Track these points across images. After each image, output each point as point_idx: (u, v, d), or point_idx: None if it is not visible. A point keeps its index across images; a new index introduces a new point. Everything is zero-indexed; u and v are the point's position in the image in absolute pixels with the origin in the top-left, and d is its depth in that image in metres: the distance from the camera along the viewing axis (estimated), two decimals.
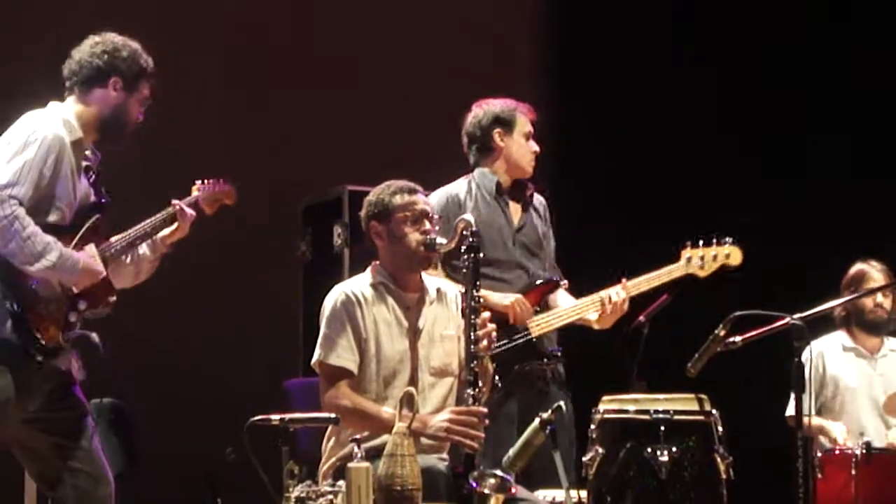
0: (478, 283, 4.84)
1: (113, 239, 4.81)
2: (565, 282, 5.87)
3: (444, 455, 4.93)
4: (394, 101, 7.85)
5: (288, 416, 4.62)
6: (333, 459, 4.97)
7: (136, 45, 4.83)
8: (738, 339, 5.00)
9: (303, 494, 4.47)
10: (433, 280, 5.16)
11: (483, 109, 5.96)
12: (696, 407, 4.80)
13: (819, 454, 6.16)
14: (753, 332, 5.02)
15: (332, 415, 4.74)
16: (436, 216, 5.09)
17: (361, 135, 7.73)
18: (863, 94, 8.03)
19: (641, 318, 5.68)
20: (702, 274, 5.82)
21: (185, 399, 7.07)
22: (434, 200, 5.79)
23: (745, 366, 5.84)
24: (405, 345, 5.00)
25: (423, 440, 4.80)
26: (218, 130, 7.47)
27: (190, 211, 5.01)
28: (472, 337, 4.80)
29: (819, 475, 5.97)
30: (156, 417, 6.60)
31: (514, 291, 5.73)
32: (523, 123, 5.91)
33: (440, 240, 4.96)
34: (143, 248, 4.99)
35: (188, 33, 7.45)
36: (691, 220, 6.20)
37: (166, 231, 5.01)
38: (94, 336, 4.81)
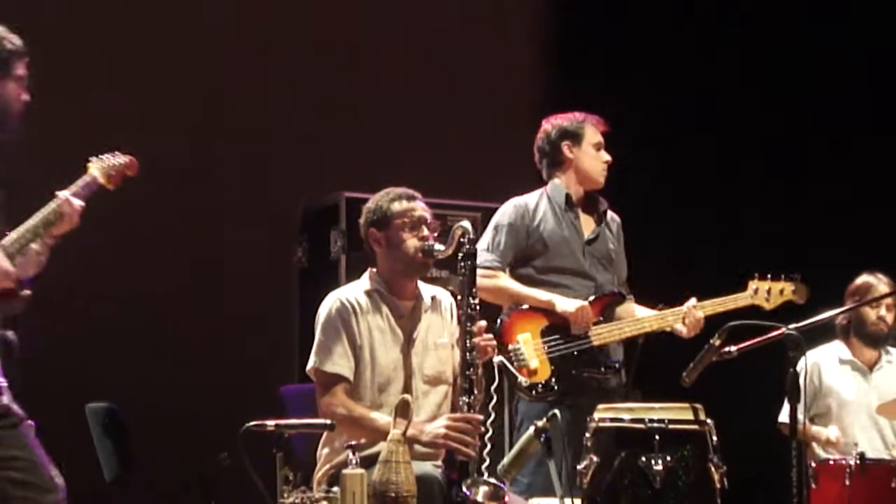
0: (474, 290, 4.86)
1: (11, 235, 4.57)
2: (631, 296, 5.94)
3: (439, 462, 4.93)
4: (391, 107, 7.85)
5: (283, 421, 4.63)
6: (328, 466, 4.97)
7: (1, 27, 4.56)
8: (733, 348, 5.00)
9: (297, 500, 4.48)
10: (428, 288, 5.17)
11: (552, 124, 6.03)
12: (690, 416, 4.80)
13: (813, 464, 6.17)
14: (748, 342, 5.02)
15: (327, 421, 4.74)
16: (434, 223, 5.10)
17: (359, 142, 7.73)
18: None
19: None
20: (767, 307, 5.93)
21: (179, 404, 7.06)
22: (503, 209, 5.94)
23: (740, 376, 5.85)
24: (399, 353, 5.01)
25: (418, 447, 4.80)
26: (214, 136, 7.47)
27: (77, 203, 4.71)
28: (468, 345, 4.82)
29: (813, 485, 5.97)
30: (150, 423, 6.59)
31: (580, 299, 5.77)
32: (592, 134, 5.97)
33: (438, 246, 4.97)
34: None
35: (184, 37, 7.45)
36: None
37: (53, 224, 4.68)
38: (10, 334, 4.53)
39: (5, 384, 4.43)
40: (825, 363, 6.72)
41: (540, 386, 5.67)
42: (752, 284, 5.94)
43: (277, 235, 7.51)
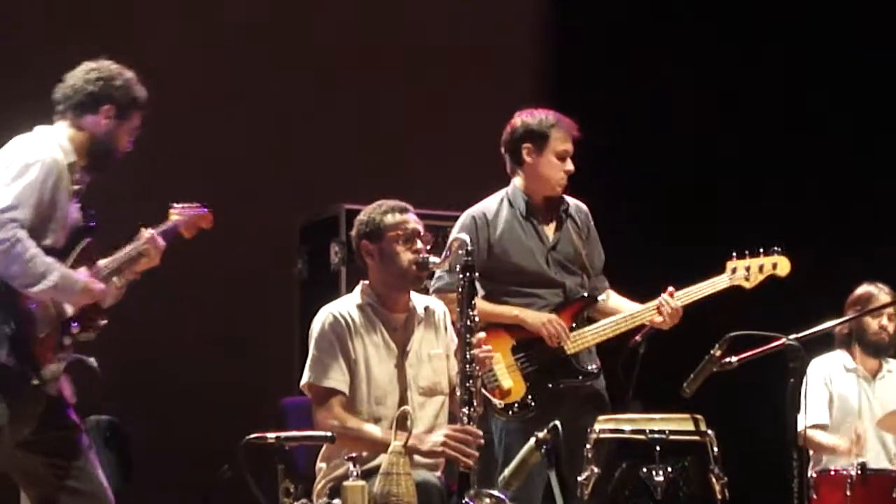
0: (473, 302, 4.84)
1: (100, 263, 4.80)
2: (603, 297, 5.75)
3: (439, 473, 4.93)
4: (391, 119, 7.86)
5: (284, 434, 4.63)
6: (328, 478, 4.97)
7: (131, 74, 4.84)
8: (733, 359, 5.00)
9: None
10: (421, 298, 5.16)
11: (520, 120, 5.81)
12: (691, 427, 4.81)
13: (814, 475, 6.16)
14: (749, 353, 5.03)
15: (328, 433, 4.74)
16: (427, 235, 5.08)
17: (358, 153, 7.74)
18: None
19: (637, 338, 5.65)
20: (748, 285, 5.76)
21: (181, 416, 7.07)
22: (461, 222, 5.77)
23: (741, 386, 5.84)
24: (393, 366, 5.01)
25: (418, 459, 4.80)
26: (214, 149, 7.48)
27: (161, 242, 4.95)
28: (467, 356, 4.81)
29: (814, 495, 5.97)
30: (152, 435, 6.60)
31: (550, 309, 5.67)
32: (558, 142, 5.74)
33: (432, 259, 4.96)
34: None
35: (184, 51, 7.46)
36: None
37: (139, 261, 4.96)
38: (92, 360, 4.78)
39: (73, 402, 4.69)
40: (833, 371, 6.69)
41: (515, 405, 5.55)
42: (730, 265, 5.77)
43: (278, 247, 7.52)
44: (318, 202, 7.38)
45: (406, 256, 4.99)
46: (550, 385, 5.61)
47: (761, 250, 5.78)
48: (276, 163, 7.60)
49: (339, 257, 7.10)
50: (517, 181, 5.84)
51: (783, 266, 5.80)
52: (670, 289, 5.69)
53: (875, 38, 8.08)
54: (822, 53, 8.10)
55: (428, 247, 5.03)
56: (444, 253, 4.93)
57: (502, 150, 5.87)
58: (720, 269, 5.79)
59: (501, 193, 5.86)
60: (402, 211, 5.06)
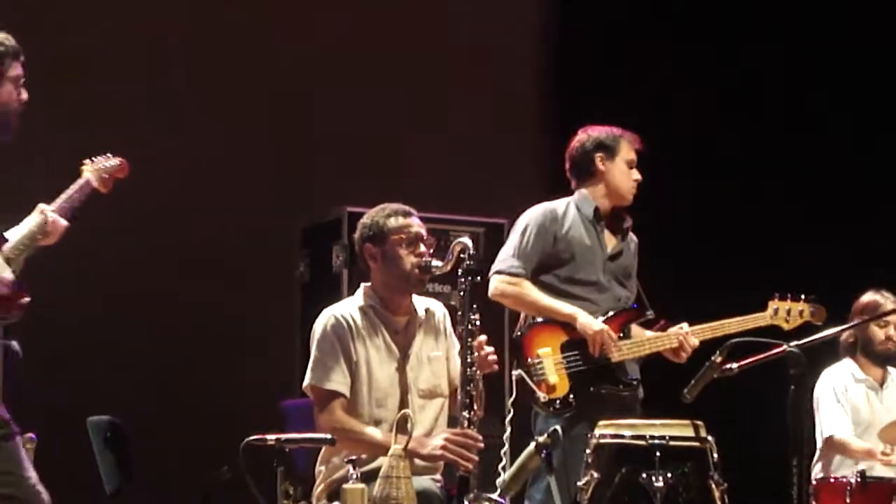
0: (474, 305, 4.85)
1: (10, 241, 4.56)
2: (651, 312, 5.83)
3: (438, 476, 4.93)
4: (393, 122, 7.86)
5: (284, 436, 4.63)
6: (328, 481, 4.97)
7: None
8: (734, 365, 4.99)
9: None
10: (422, 300, 5.17)
11: (588, 134, 5.95)
12: (691, 433, 4.80)
13: (814, 482, 6.16)
14: (750, 359, 5.02)
15: (328, 435, 4.75)
16: (430, 239, 5.09)
17: (360, 156, 7.74)
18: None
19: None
20: (786, 327, 5.90)
21: (181, 418, 7.07)
22: (532, 212, 5.86)
23: (742, 393, 5.84)
24: (394, 369, 5.01)
25: (418, 462, 4.80)
26: (217, 151, 7.48)
27: (63, 222, 4.72)
28: (469, 360, 4.82)
29: (814, 502, 5.96)
30: (152, 436, 6.60)
31: (601, 313, 5.74)
32: (626, 150, 5.90)
33: (435, 262, 4.97)
34: None
35: (186, 50, 7.47)
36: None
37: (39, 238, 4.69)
38: (14, 343, 4.58)
39: None
40: (846, 381, 6.67)
41: (558, 402, 5.61)
42: (773, 304, 5.93)
43: (280, 250, 7.52)
44: (320, 205, 7.38)
45: (409, 260, 5.00)
46: (592, 389, 5.66)
47: (803, 297, 5.96)
48: (278, 165, 7.60)
49: (341, 260, 7.10)
50: (584, 192, 5.93)
51: (820, 316, 5.98)
52: (684, 325, 5.79)
53: (875, 37, 8.08)
54: (822, 52, 8.10)
55: (431, 250, 5.04)
56: (447, 256, 4.93)
57: (568, 164, 5.98)
58: (760, 305, 5.92)
59: (568, 199, 5.96)
60: (406, 214, 5.06)
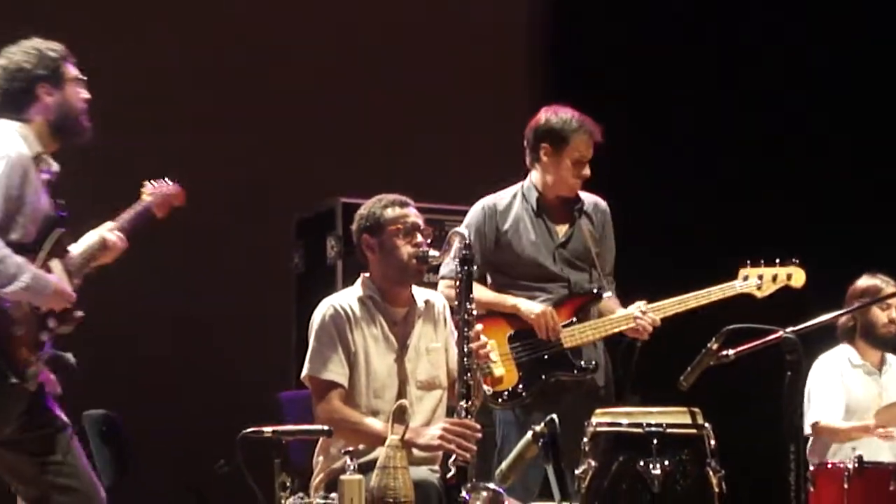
0: (471, 295, 4.85)
1: (73, 253, 4.71)
2: (608, 294, 5.75)
3: (436, 467, 4.93)
4: (388, 112, 7.86)
5: (280, 428, 4.63)
6: (325, 472, 4.97)
7: (35, 41, 4.65)
8: (730, 352, 4.98)
9: None
10: (422, 292, 5.16)
11: (544, 117, 5.77)
12: (688, 420, 4.79)
13: (811, 467, 6.16)
14: (746, 346, 5.01)
15: (325, 427, 4.74)
16: (427, 229, 5.08)
17: (355, 147, 7.74)
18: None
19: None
20: (759, 294, 5.77)
21: (177, 411, 7.07)
22: (471, 213, 5.81)
23: (738, 379, 5.83)
24: (392, 360, 5.01)
25: (416, 452, 4.80)
26: (211, 142, 7.47)
27: (123, 244, 4.89)
28: (465, 349, 4.82)
29: (811, 488, 5.96)
30: (148, 429, 6.59)
31: (552, 302, 5.68)
32: (577, 147, 5.69)
33: (432, 252, 4.97)
34: None
35: (180, 43, 7.46)
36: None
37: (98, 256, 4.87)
38: (69, 356, 4.68)
39: (58, 394, 4.60)
40: (842, 367, 6.66)
41: (505, 393, 5.59)
42: (743, 272, 5.79)
43: (274, 241, 7.52)
44: (315, 196, 7.37)
45: (406, 250, 5.00)
46: (544, 377, 5.63)
47: (777, 260, 5.80)
48: (272, 157, 7.60)
49: (336, 251, 7.10)
50: (533, 175, 5.84)
51: (798, 278, 5.83)
52: (640, 304, 5.69)
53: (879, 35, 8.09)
54: (824, 52, 8.10)
55: (428, 240, 5.04)
56: (443, 246, 4.93)
57: (524, 140, 5.86)
58: (732, 275, 5.81)
59: (517, 187, 5.87)
60: (403, 205, 5.06)
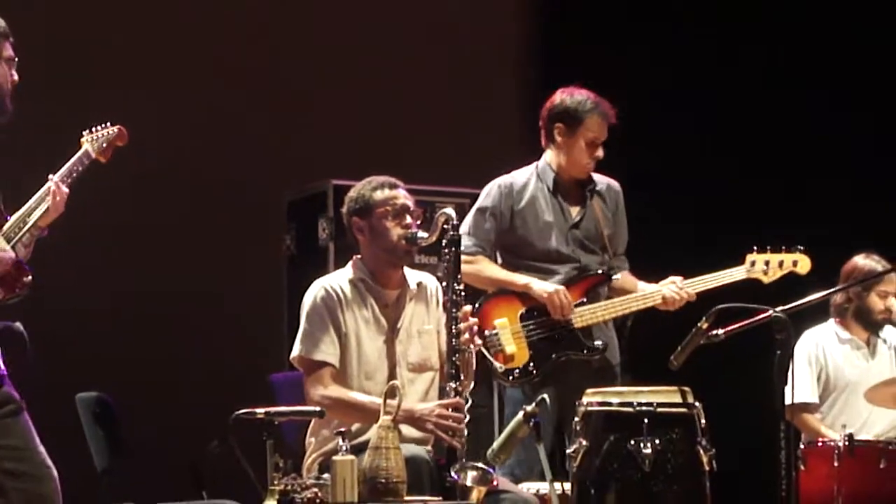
0: (459, 276, 4.86)
1: (11, 220, 4.50)
2: (618, 276, 5.80)
3: (429, 447, 4.94)
4: (378, 94, 7.85)
5: (273, 409, 4.64)
6: (318, 453, 4.98)
7: None
8: (720, 331, 5.00)
9: (287, 487, 4.48)
10: (415, 274, 5.17)
11: (559, 98, 5.83)
12: (679, 399, 4.81)
13: (802, 446, 6.18)
14: (736, 325, 5.03)
15: (317, 408, 4.76)
16: (417, 210, 5.09)
17: (345, 129, 7.73)
18: None
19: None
20: (765, 279, 5.82)
21: (169, 392, 7.07)
22: (487, 191, 5.85)
23: (729, 358, 5.85)
24: (383, 342, 5.02)
25: (407, 433, 4.81)
26: (202, 124, 7.46)
27: (64, 188, 4.62)
28: (454, 330, 4.83)
29: (802, 467, 5.98)
30: (141, 411, 6.59)
31: (562, 282, 5.72)
32: (591, 128, 5.76)
33: (421, 234, 4.98)
34: None
35: (171, 29, 7.45)
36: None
37: (40, 212, 4.57)
38: (18, 325, 4.45)
39: (5, 373, 4.35)
40: (826, 343, 6.68)
41: (517, 371, 5.65)
42: (750, 257, 5.84)
43: (265, 223, 7.51)
44: (306, 178, 7.37)
45: (395, 232, 5.00)
46: (554, 356, 5.67)
47: (783, 247, 5.84)
48: (263, 138, 7.59)
49: (327, 233, 7.10)
50: (548, 155, 5.89)
51: (804, 265, 5.86)
52: (675, 278, 5.76)
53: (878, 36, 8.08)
54: (823, 51, 8.10)
55: (418, 222, 5.05)
56: (431, 227, 4.94)
57: (540, 121, 5.90)
58: (738, 260, 5.85)
59: (532, 167, 5.91)
60: (392, 186, 5.07)
